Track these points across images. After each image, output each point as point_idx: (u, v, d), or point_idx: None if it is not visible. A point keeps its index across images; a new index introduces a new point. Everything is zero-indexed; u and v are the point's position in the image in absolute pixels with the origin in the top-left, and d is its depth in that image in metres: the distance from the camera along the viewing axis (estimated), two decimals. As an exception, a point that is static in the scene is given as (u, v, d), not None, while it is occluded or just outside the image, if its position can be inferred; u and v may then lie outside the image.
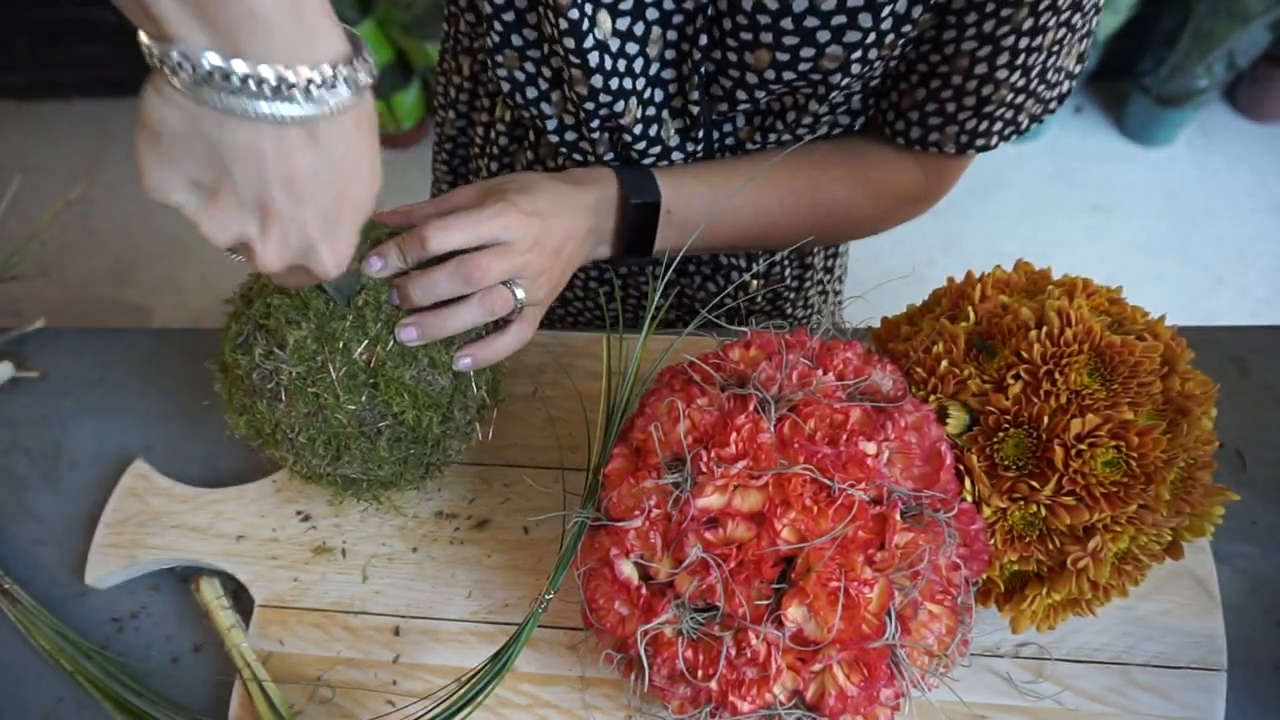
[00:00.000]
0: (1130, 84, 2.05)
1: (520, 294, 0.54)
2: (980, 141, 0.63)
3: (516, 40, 0.61)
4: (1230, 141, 2.09)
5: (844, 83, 0.59)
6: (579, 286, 0.80)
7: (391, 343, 0.51)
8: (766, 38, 0.56)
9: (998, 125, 0.62)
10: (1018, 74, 0.58)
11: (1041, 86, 0.60)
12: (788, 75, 0.58)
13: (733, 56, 0.58)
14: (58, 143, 2.25)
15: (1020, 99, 0.60)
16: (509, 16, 0.59)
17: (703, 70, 0.60)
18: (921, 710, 0.55)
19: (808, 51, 0.56)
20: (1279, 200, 2.01)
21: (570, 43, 0.57)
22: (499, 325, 0.56)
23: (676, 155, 0.65)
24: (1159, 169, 2.07)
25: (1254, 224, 1.97)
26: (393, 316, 0.51)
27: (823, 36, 0.55)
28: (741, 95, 0.61)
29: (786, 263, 0.80)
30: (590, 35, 0.57)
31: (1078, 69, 0.62)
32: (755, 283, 0.79)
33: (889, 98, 0.65)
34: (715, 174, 0.65)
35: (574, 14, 0.55)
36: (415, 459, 0.56)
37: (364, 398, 0.51)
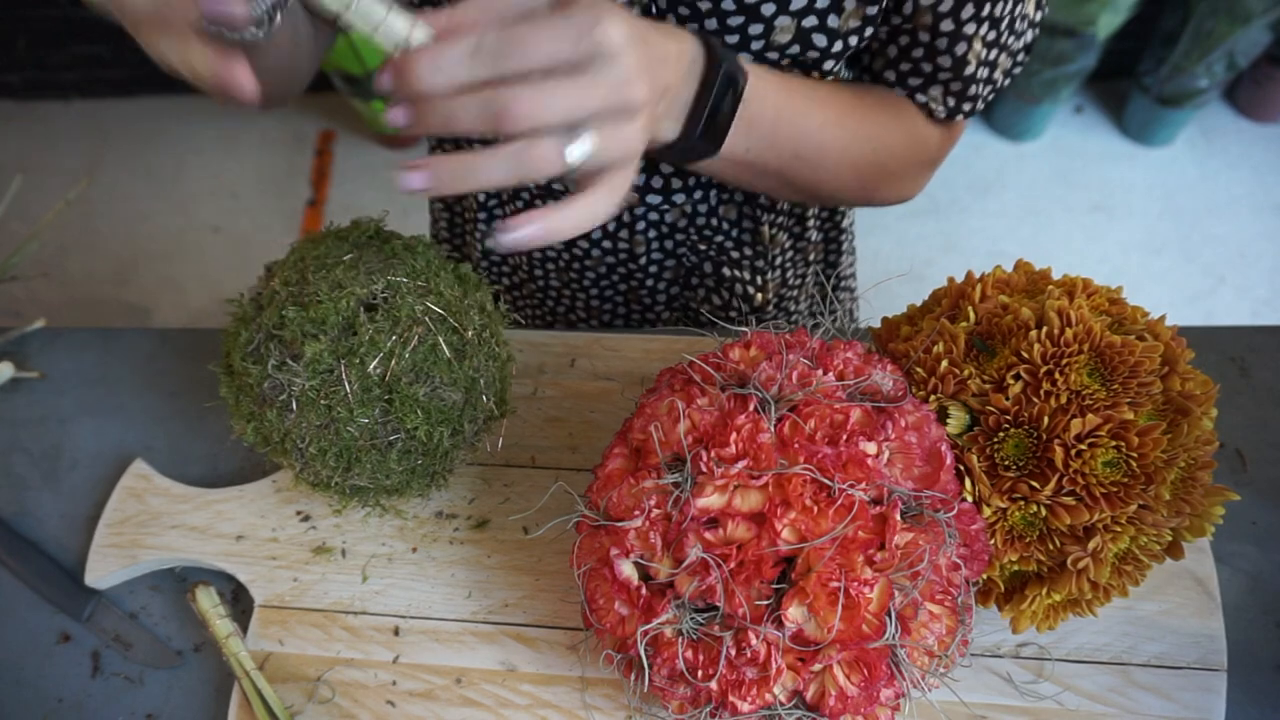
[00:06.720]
0: (1130, 84, 2.05)
1: (580, 149, 0.38)
2: (967, 106, 0.62)
3: None
4: (1230, 141, 2.09)
5: (811, 57, 0.57)
6: (577, 286, 0.79)
7: (406, 358, 0.51)
8: (711, 24, 0.55)
9: (980, 88, 0.61)
10: (986, 26, 0.57)
11: (1010, 38, 0.60)
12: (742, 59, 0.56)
13: None
14: (58, 143, 2.25)
15: (994, 54, 0.60)
16: None
17: None
18: (921, 710, 0.55)
19: (756, 28, 0.55)
20: (1279, 200, 2.01)
21: None
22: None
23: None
24: (1159, 169, 2.07)
25: (1254, 224, 1.97)
26: (408, 331, 0.51)
27: (768, 9, 0.54)
28: None
29: (790, 266, 0.79)
30: None
31: (1039, 16, 0.61)
32: (760, 295, 0.78)
33: (862, 60, 0.63)
34: (786, 75, 0.58)
35: None
36: (423, 469, 0.56)
37: (377, 411, 0.51)
